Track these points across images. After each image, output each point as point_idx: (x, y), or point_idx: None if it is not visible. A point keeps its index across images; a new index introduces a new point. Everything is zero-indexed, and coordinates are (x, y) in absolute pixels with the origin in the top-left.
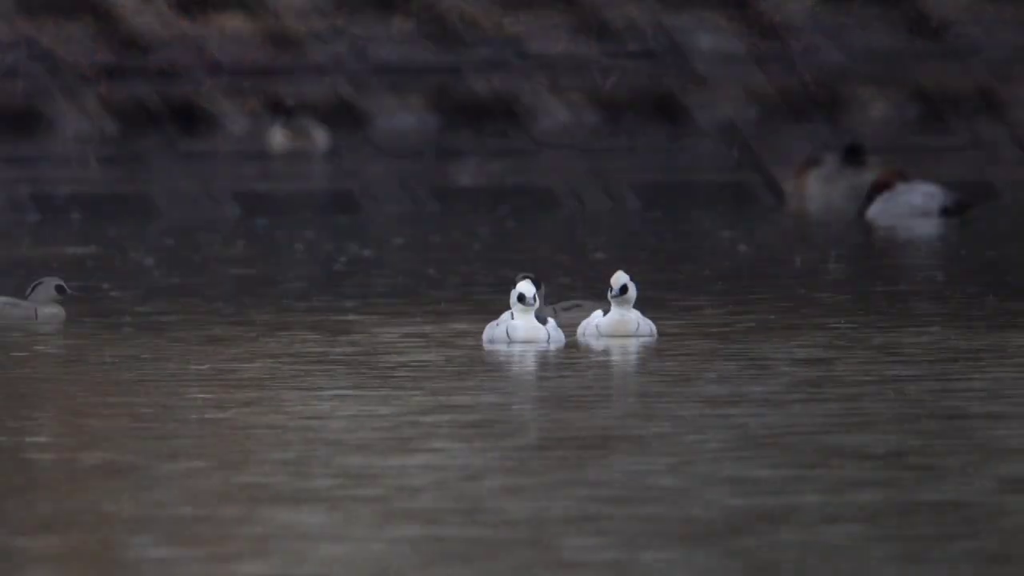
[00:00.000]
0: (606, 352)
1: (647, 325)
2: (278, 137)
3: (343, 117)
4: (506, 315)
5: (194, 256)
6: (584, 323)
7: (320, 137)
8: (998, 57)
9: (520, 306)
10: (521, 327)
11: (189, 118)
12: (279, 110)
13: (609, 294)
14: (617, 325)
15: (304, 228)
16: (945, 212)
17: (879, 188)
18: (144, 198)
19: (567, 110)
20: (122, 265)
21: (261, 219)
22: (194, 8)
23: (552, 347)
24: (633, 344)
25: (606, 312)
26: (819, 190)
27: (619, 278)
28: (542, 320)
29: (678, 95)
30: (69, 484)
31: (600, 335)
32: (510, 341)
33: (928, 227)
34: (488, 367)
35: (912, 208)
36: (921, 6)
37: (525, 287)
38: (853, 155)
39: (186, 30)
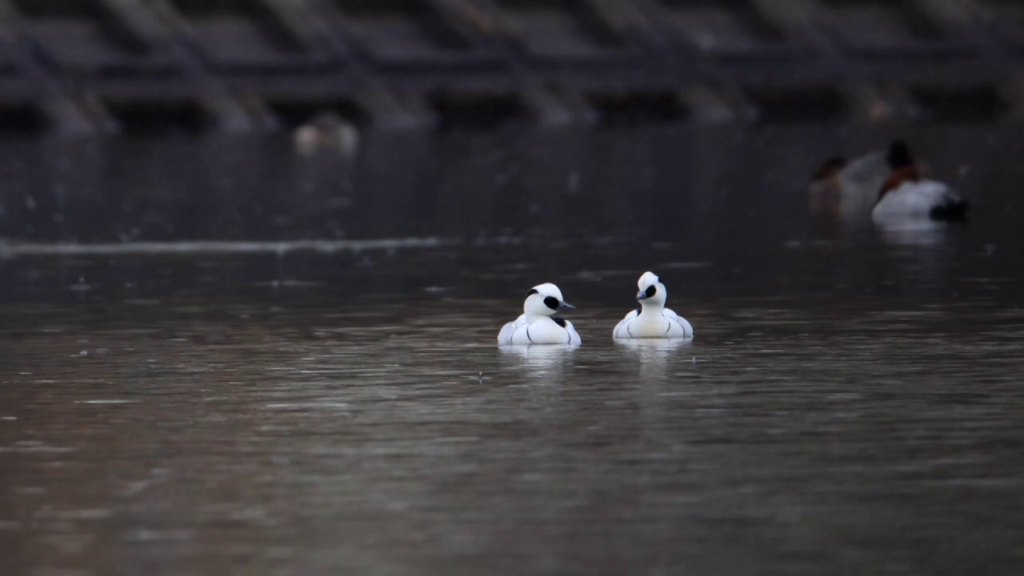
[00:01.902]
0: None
1: (680, 326)
2: (305, 136)
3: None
4: (521, 318)
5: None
6: (618, 325)
7: (347, 136)
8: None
9: (541, 309)
10: (543, 328)
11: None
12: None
13: (637, 296)
14: (647, 326)
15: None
16: (936, 213)
17: (887, 188)
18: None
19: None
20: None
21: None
22: (194, 8)
23: (571, 348)
24: (667, 344)
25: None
26: (854, 189)
27: (646, 280)
28: (559, 322)
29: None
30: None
31: (631, 336)
32: (531, 343)
33: (918, 228)
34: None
35: (905, 208)
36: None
37: (551, 290)
38: (898, 154)
39: (186, 30)
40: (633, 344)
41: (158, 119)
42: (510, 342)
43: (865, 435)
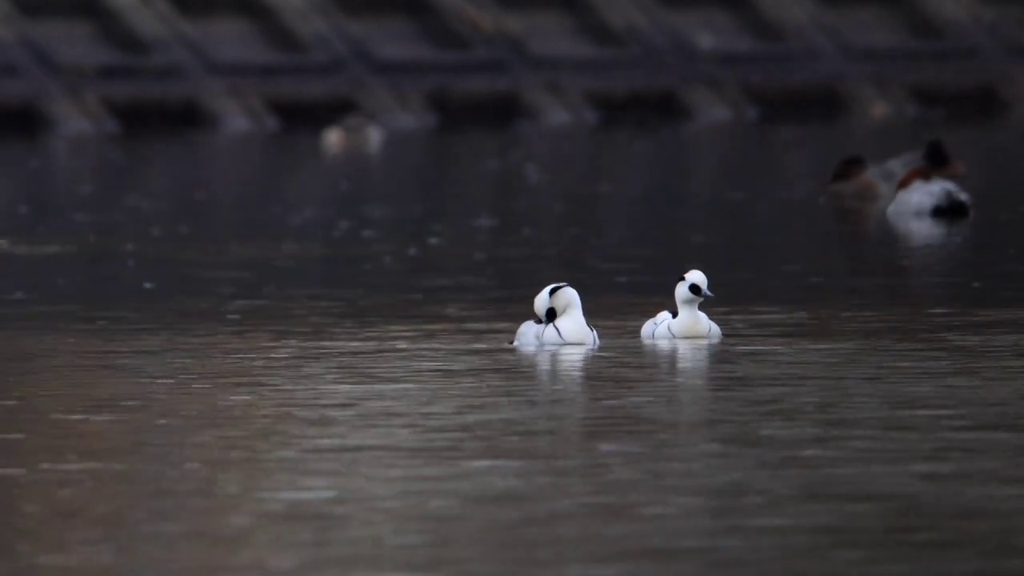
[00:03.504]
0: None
1: (715, 327)
2: (332, 137)
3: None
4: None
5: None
6: (648, 324)
7: (373, 136)
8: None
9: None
10: (572, 328)
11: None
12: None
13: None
14: (690, 327)
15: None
16: (937, 212)
17: (900, 186)
18: None
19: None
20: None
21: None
22: (194, 8)
23: (596, 348)
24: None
25: (675, 314)
26: (888, 189)
27: (699, 276)
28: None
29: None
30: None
31: (674, 337)
32: (563, 342)
33: (920, 227)
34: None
35: (910, 207)
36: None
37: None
38: (935, 153)
39: (186, 30)
40: (674, 345)
41: (158, 119)
42: (539, 338)
43: None
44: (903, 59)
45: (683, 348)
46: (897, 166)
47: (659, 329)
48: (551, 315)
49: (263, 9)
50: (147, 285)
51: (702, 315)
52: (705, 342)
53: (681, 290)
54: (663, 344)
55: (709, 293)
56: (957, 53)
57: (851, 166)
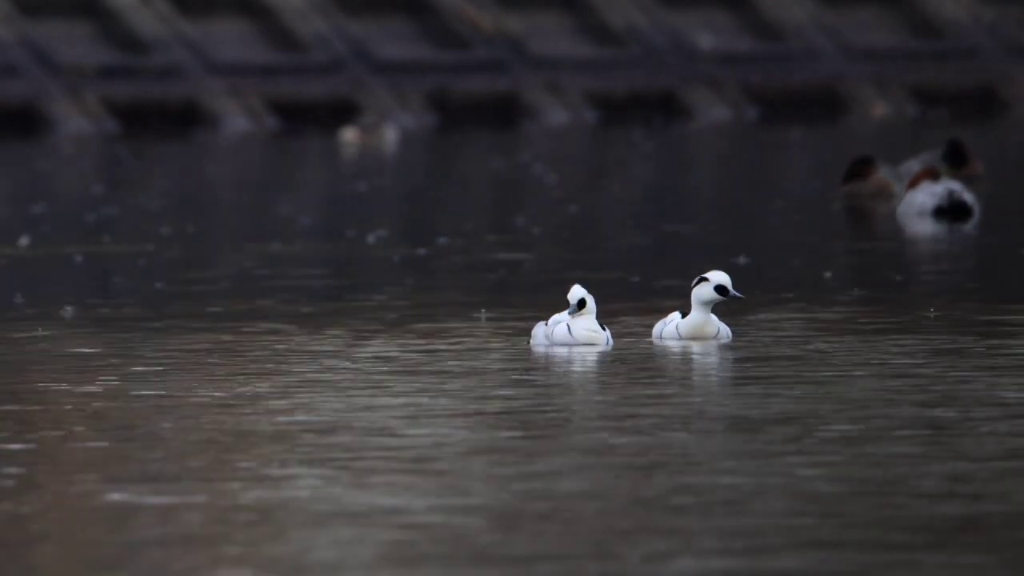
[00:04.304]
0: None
1: (725, 328)
2: (348, 136)
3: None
4: (561, 315)
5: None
6: (659, 325)
7: (390, 135)
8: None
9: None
10: (584, 328)
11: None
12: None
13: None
14: (698, 328)
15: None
16: (938, 213)
17: (909, 187)
18: None
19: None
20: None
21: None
22: (194, 8)
23: (609, 348)
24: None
25: (684, 314)
26: (902, 189)
27: (723, 277)
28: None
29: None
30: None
31: (680, 337)
32: (575, 342)
33: (921, 228)
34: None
35: (914, 208)
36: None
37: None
38: (954, 153)
39: (186, 30)
40: (683, 346)
41: (158, 119)
42: (550, 338)
43: None
44: (903, 59)
45: (693, 348)
46: (915, 166)
47: (667, 329)
48: (581, 304)
49: (263, 9)
50: (157, 285)
51: (713, 316)
52: (714, 343)
53: (704, 290)
54: (671, 344)
55: (738, 294)
56: (957, 53)
57: (864, 166)
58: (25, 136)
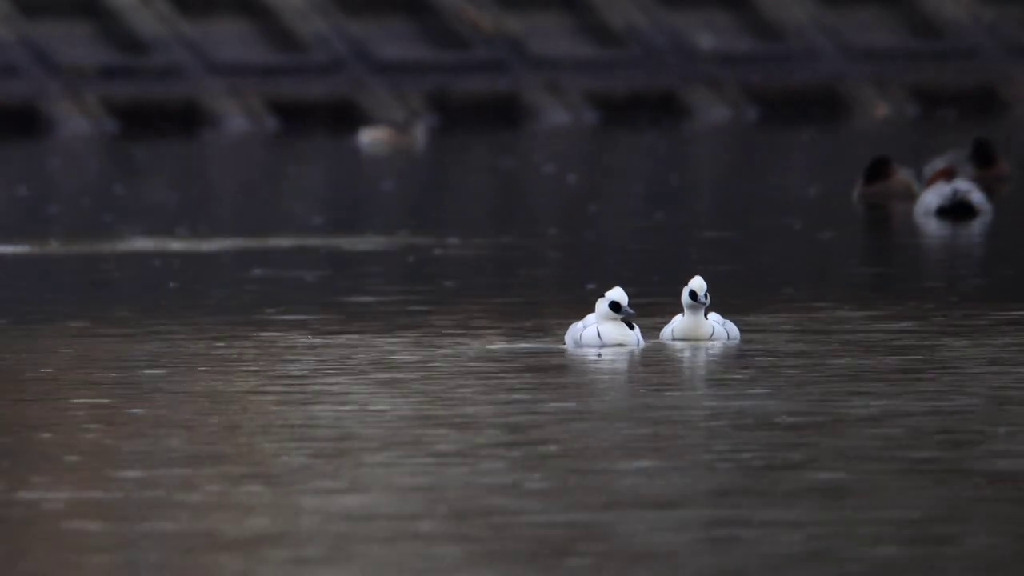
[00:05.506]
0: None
1: (725, 330)
2: (377, 135)
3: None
4: (589, 318)
5: None
6: (665, 328)
7: (419, 134)
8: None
9: (609, 312)
10: (614, 330)
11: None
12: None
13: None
14: (691, 329)
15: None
16: (941, 212)
17: (927, 186)
18: None
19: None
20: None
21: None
22: (194, 8)
23: (639, 350)
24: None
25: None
26: (921, 189)
27: (698, 283)
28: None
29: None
30: None
31: (674, 338)
32: (602, 344)
33: (927, 227)
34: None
35: (922, 207)
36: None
37: (618, 295)
38: (981, 152)
39: (186, 30)
40: (678, 346)
41: (158, 119)
42: (578, 343)
43: None
44: (903, 59)
45: (688, 349)
46: (940, 164)
47: (663, 331)
48: (615, 307)
49: (263, 9)
50: (171, 284)
51: (704, 319)
52: (707, 344)
53: (683, 296)
54: (669, 345)
55: (704, 300)
56: (957, 53)
57: (884, 166)
58: (25, 136)
